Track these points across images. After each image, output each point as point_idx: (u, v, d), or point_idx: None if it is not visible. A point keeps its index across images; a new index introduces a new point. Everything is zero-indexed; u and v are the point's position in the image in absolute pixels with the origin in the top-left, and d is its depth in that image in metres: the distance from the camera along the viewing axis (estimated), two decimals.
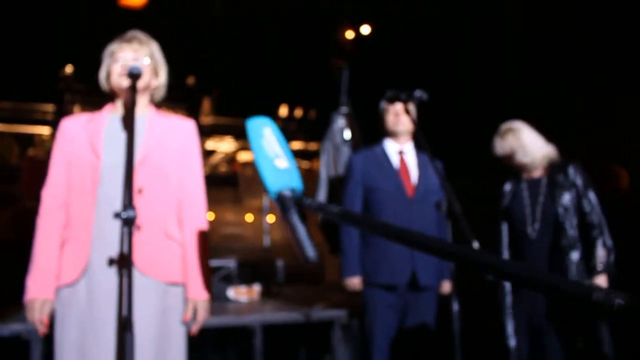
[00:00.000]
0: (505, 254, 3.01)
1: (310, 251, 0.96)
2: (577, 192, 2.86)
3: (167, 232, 1.96)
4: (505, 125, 3.04)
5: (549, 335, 2.79)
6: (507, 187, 3.05)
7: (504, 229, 3.03)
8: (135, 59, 1.98)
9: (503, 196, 3.05)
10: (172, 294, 1.95)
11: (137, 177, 1.89)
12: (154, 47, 2.07)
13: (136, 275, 1.82)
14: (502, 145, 3.00)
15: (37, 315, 1.83)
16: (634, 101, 4.45)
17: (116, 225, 1.76)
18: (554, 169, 2.94)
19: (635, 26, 4.46)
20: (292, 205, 1.01)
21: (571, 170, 2.89)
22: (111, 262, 1.81)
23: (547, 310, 2.81)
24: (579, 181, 2.87)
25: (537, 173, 2.99)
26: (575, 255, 2.79)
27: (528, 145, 2.93)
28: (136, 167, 1.89)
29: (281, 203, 1.02)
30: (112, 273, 1.82)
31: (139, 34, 2.05)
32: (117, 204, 1.84)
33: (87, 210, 1.87)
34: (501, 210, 3.05)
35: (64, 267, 1.88)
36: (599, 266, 2.75)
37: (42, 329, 1.85)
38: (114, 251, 1.82)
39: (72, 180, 1.93)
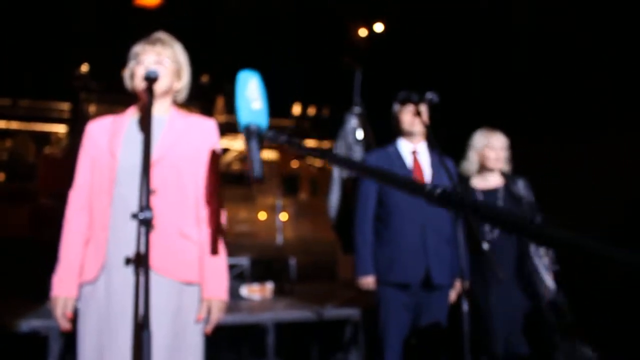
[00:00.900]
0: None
1: (258, 171, 1.29)
2: (527, 204, 3.13)
3: (182, 232, 1.97)
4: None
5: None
6: None
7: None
8: (158, 62, 1.99)
9: None
10: (188, 293, 1.96)
11: (152, 177, 1.90)
12: (178, 49, 2.08)
13: (150, 274, 1.81)
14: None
15: (60, 311, 1.91)
16: (634, 102, 4.43)
17: (132, 225, 1.78)
18: (509, 181, 3.20)
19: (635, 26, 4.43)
20: (254, 136, 1.33)
21: (522, 184, 3.19)
22: (128, 261, 1.84)
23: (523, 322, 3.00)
24: (528, 194, 3.16)
25: (493, 183, 3.21)
26: (542, 260, 3.03)
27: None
28: (154, 167, 1.91)
29: (247, 133, 1.34)
30: (130, 272, 1.85)
31: (163, 36, 2.07)
32: (132, 204, 1.86)
33: (105, 210, 1.92)
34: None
35: (86, 265, 1.94)
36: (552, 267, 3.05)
37: (65, 325, 1.92)
38: (130, 250, 1.84)
39: (94, 181, 1.99)
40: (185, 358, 1.93)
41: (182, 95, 2.14)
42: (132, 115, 2.07)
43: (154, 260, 1.85)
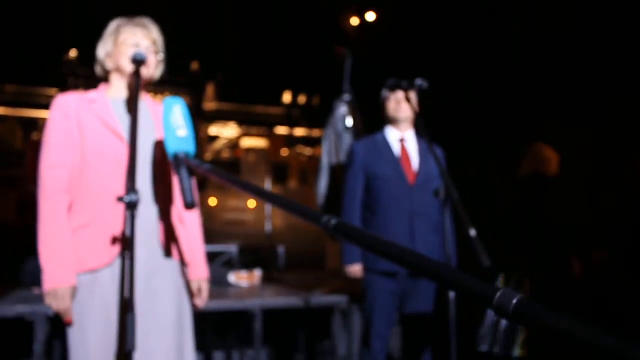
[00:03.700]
0: None
1: (190, 198, 1.35)
2: None
3: (179, 216, 2.03)
4: None
5: None
6: None
7: None
8: (145, 46, 1.97)
9: None
10: (183, 274, 2.03)
11: (157, 162, 1.95)
12: (160, 37, 2.06)
13: (161, 256, 1.92)
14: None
15: (67, 303, 1.79)
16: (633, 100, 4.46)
17: (143, 209, 1.85)
18: None
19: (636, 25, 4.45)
20: (183, 164, 1.38)
21: None
22: (125, 244, 1.84)
23: None
24: None
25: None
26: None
27: None
28: (156, 152, 1.94)
29: (176, 161, 1.39)
30: (142, 256, 1.86)
31: (148, 22, 2.04)
32: (143, 188, 1.89)
33: (117, 194, 1.73)
34: None
35: (86, 254, 1.83)
36: None
37: (69, 318, 1.81)
38: (140, 235, 1.84)
39: (87, 163, 1.87)
40: (187, 337, 2.00)
41: (152, 82, 2.12)
42: (109, 94, 2.01)
43: (164, 242, 1.93)
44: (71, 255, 1.81)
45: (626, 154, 4.33)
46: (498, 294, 0.63)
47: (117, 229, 1.83)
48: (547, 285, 3.30)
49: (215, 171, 1.26)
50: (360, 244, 0.86)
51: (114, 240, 1.83)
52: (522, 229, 3.82)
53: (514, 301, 0.62)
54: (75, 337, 1.82)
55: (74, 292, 1.81)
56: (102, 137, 1.88)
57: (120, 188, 1.84)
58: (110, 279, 1.83)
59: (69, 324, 1.83)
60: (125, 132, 1.90)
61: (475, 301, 0.66)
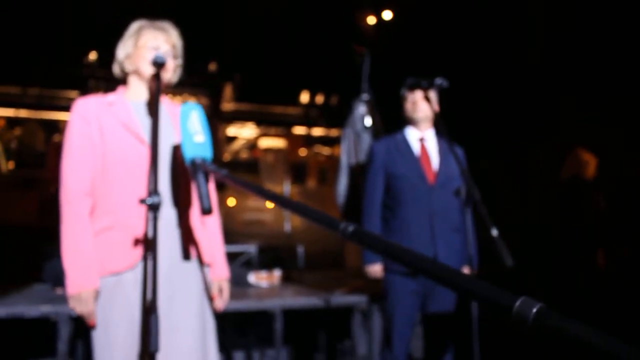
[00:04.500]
0: None
1: (207, 203, 1.36)
2: None
3: (200, 216, 2.04)
4: None
5: None
6: None
7: None
8: (165, 50, 1.99)
9: None
10: (205, 274, 2.04)
11: (177, 164, 1.95)
12: (178, 37, 2.07)
13: (181, 258, 1.92)
14: None
15: (90, 306, 1.80)
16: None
17: (165, 211, 1.87)
18: None
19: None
20: (200, 169, 1.39)
21: None
22: (147, 246, 1.85)
23: None
24: None
25: None
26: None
27: None
28: (176, 154, 1.94)
29: (193, 166, 1.41)
30: (165, 259, 1.86)
31: (169, 26, 2.05)
32: (164, 190, 1.90)
33: (137, 197, 1.74)
34: None
35: (110, 256, 1.84)
36: None
37: (93, 320, 1.83)
38: (162, 238, 1.82)
39: (108, 165, 1.88)
40: (210, 338, 2.01)
41: (171, 85, 2.13)
42: (129, 97, 2.02)
43: (185, 244, 1.94)
44: (93, 259, 1.82)
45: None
46: (517, 303, 0.63)
47: (140, 231, 1.83)
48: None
49: (231, 177, 1.29)
50: (377, 250, 0.86)
51: (137, 243, 1.83)
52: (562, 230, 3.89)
53: (534, 310, 0.61)
54: (99, 338, 1.84)
55: (96, 295, 1.82)
56: (123, 139, 1.89)
57: (141, 190, 1.84)
58: (134, 281, 1.84)
59: (92, 327, 1.84)
60: (146, 135, 1.91)
61: (495, 310, 0.65)
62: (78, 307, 1.80)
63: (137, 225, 1.83)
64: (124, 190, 1.86)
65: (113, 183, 1.88)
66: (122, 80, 2.07)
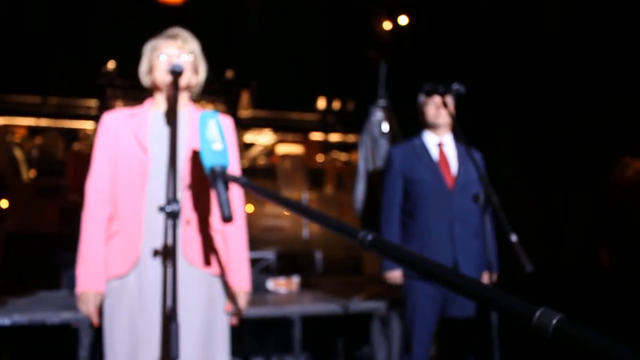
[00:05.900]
0: None
1: (227, 211, 1.34)
2: None
3: (213, 226, 2.02)
4: None
5: None
6: None
7: None
8: (179, 55, 2.02)
9: None
10: (217, 285, 2.02)
11: (185, 172, 1.96)
12: (195, 45, 2.10)
13: (184, 266, 1.91)
14: None
15: (91, 307, 1.90)
16: None
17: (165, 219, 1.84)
18: None
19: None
20: (219, 177, 1.39)
21: None
22: (156, 253, 1.87)
23: None
24: None
25: None
26: None
27: None
28: (185, 163, 1.96)
29: (212, 174, 1.40)
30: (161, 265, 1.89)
31: (182, 32, 2.08)
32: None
33: (138, 205, 1.93)
34: None
35: (114, 260, 1.93)
36: None
37: (96, 320, 1.93)
38: (162, 244, 1.88)
39: (119, 174, 1.97)
40: (217, 349, 1.99)
41: (197, 91, 2.16)
42: (151, 108, 2.08)
43: (189, 252, 1.93)
44: (101, 266, 1.94)
45: None
46: (537, 313, 0.62)
47: (137, 238, 1.91)
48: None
49: (250, 185, 1.30)
50: (396, 260, 0.85)
51: (133, 249, 1.91)
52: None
53: (554, 321, 0.60)
54: (106, 341, 1.94)
55: (100, 298, 1.92)
56: (130, 149, 1.97)
57: (140, 198, 1.92)
58: (135, 285, 1.89)
59: (95, 327, 1.96)
60: (151, 144, 1.96)
61: (515, 320, 0.65)
62: (82, 306, 1.92)
63: (135, 232, 1.92)
64: (126, 198, 1.95)
65: (120, 191, 1.97)
66: (150, 94, 2.14)
